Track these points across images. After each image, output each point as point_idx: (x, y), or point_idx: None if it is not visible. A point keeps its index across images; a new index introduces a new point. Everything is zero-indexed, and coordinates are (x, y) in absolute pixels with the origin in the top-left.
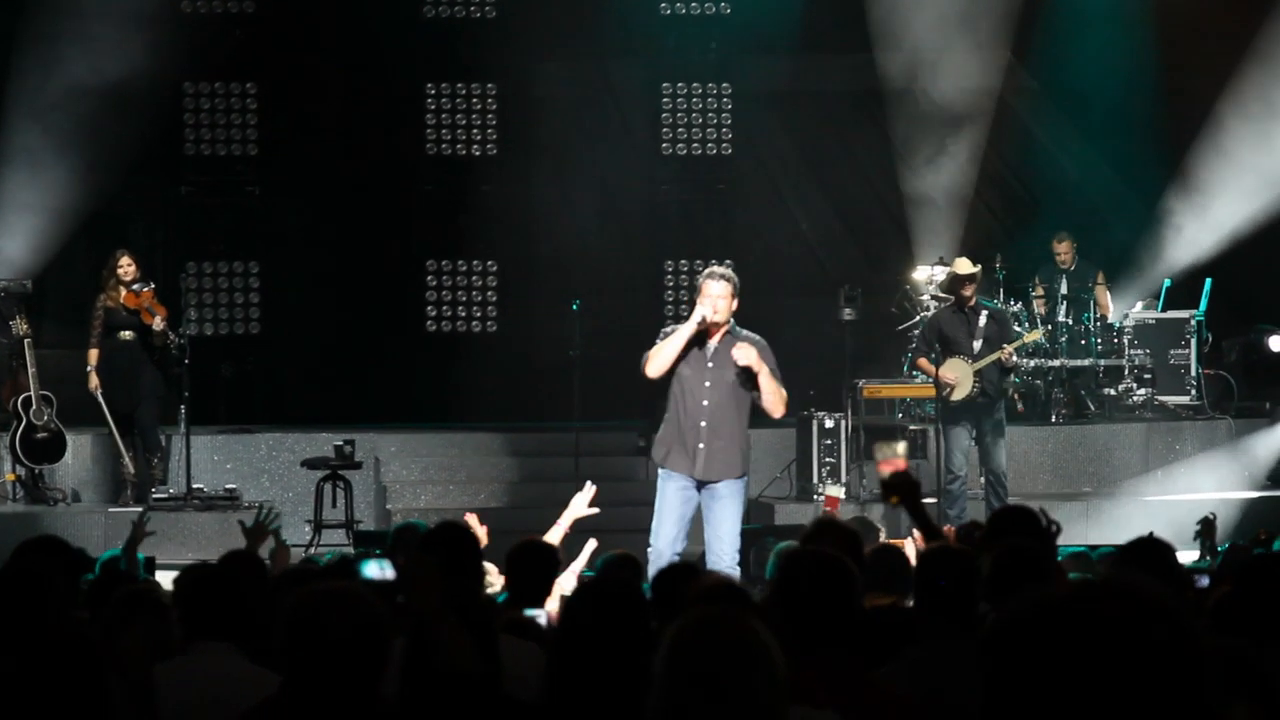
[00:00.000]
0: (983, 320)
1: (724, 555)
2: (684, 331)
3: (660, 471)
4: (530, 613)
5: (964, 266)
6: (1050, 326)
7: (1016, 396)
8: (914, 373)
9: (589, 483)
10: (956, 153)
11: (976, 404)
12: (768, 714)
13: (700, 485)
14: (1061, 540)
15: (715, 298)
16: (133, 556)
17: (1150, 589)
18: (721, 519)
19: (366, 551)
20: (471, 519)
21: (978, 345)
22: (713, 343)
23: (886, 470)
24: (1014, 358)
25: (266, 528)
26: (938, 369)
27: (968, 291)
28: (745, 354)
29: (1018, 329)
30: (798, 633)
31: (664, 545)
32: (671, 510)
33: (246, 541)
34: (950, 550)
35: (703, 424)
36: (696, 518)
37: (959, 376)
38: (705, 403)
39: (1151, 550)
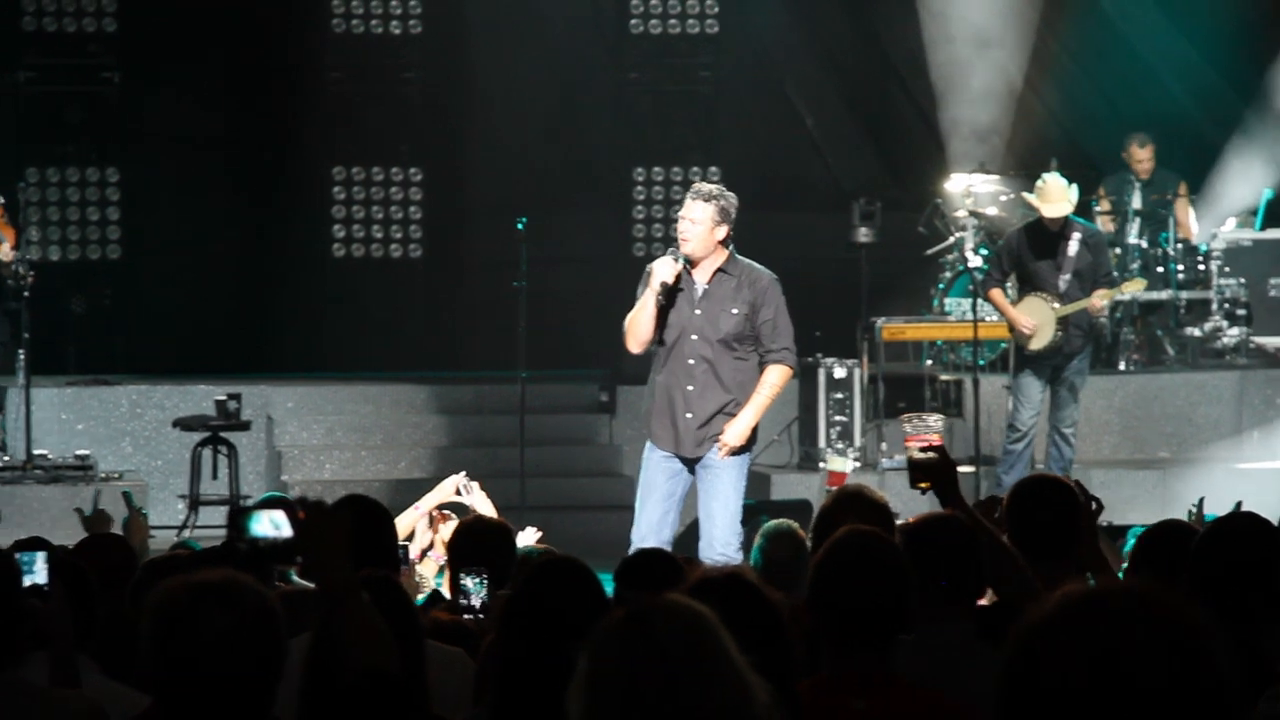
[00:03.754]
0: (1073, 247)
1: (714, 541)
2: (648, 301)
3: (648, 443)
4: (465, 582)
5: (1054, 198)
6: (1119, 250)
7: None
8: (943, 309)
9: (464, 474)
10: (1003, 33)
11: (1059, 352)
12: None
13: (690, 461)
14: (1134, 518)
15: (687, 223)
16: None
17: (1171, 596)
18: (710, 495)
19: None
20: (469, 488)
21: (1064, 280)
22: (700, 282)
23: (915, 447)
24: (1106, 309)
25: (108, 516)
26: (1014, 306)
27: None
28: (724, 448)
29: (1115, 274)
30: (832, 630)
31: (646, 532)
32: (655, 489)
33: (132, 533)
34: (942, 526)
35: (689, 388)
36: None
37: (1039, 323)
38: (690, 361)
39: (1245, 528)
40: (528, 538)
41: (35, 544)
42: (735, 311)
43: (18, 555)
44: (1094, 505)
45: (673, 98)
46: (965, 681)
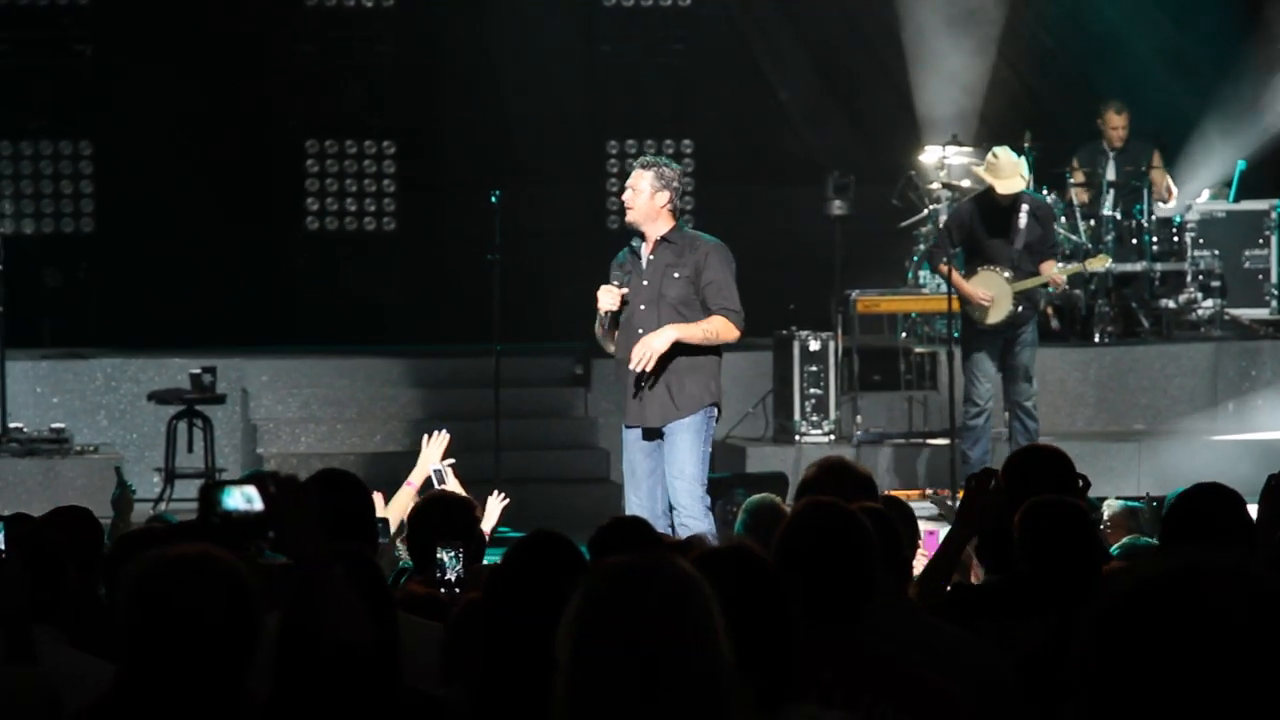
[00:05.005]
0: (1023, 219)
1: (680, 508)
2: (601, 328)
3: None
4: (441, 556)
5: (1005, 174)
6: (1093, 222)
7: (1050, 311)
8: (917, 281)
9: (444, 430)
10: (976, 3)
11: (1011, 324)
12: (710, 688)
13: (660, 430)
14: (1110, 490)
15: (630, 192)
16: None
17: (1257, 570)
18: (668, 465)
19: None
20: (445, 476)
21: (1016, 252)
22: (645, 252)
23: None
24: (1064, 282)
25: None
26: (966, 280)
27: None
28: (648, 358)
29: (1068, 237)
30: (803, 604)
31: (641, 511)
32: (635, 469)
33: (122, 509)
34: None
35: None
36: None
37: (995, 295)
38: (640, 330)
39: (1214, 501)
40: (495, 506)
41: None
42: (677, 275)
43: None
44: (1080, 483)
45: (646, 70)
46: (912, 654)
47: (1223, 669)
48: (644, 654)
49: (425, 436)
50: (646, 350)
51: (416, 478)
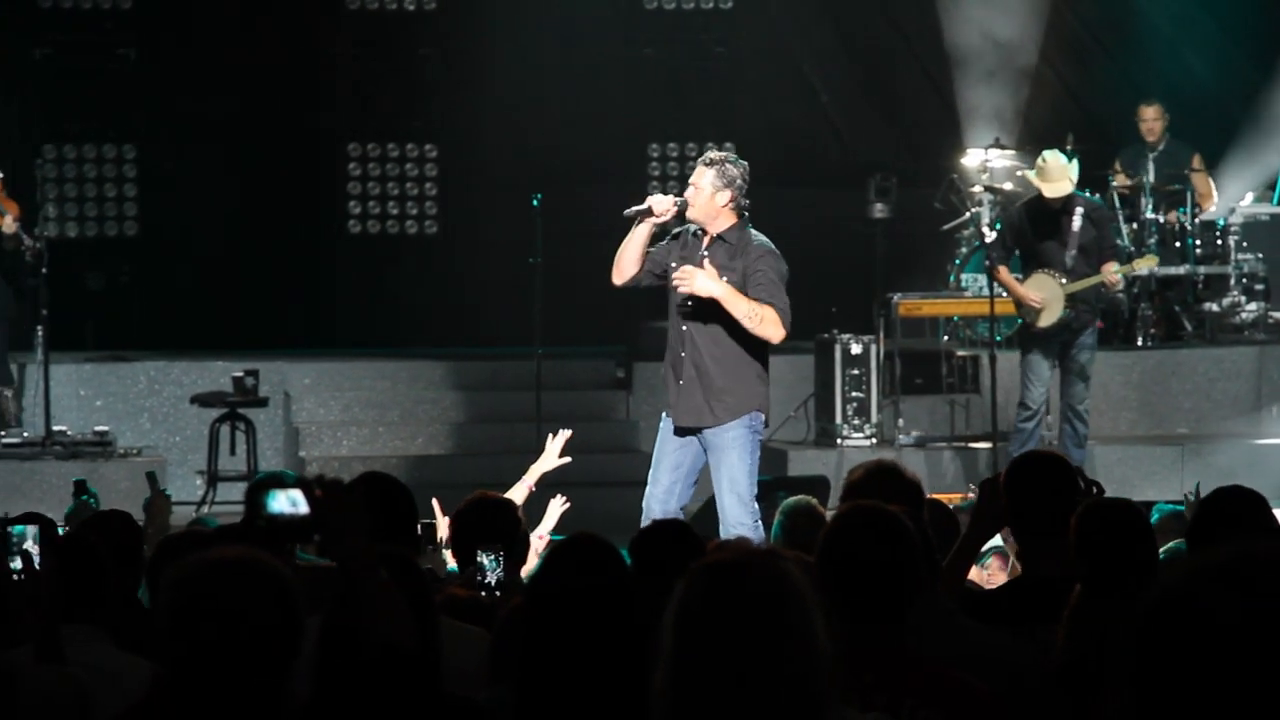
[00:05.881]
0: (1077, 222)
1: (726, 519)
2: (636, 229)
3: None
4: (481, 559)
5: (1054, 177)
6: (1136, 225)
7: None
8: (960, 285)
9: (563, 429)
10: (1019, 6)
11: (1068, 328)
12: (806, 686)
13: (695, 430)
14: (1153, 495)
15: (692, 188)
16: None
17: None
18: (717, 476)
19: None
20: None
21: (1070, 256)
22: (703, 248)
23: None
24: (1121, 283)
25: (165, 504)
26: (1021, 284)
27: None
28: (689, 280)
29: (1120, 246)
30: (845, 606)
31: (656, 501)
32: (664, 458)
33: (153, 514)
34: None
35: (682, 353)
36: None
37: (1047, 297)
38: (684, 327)
39: (1239, 503)
40: (555, 508)
41: (28, 519)
42: (726, 279)
43: (10, 529)
44: (1094, 489)
45: (687, 73)
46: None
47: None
48: (739, 651)
49: (549, 435)
50: (691, 277)
51: (531, 476)
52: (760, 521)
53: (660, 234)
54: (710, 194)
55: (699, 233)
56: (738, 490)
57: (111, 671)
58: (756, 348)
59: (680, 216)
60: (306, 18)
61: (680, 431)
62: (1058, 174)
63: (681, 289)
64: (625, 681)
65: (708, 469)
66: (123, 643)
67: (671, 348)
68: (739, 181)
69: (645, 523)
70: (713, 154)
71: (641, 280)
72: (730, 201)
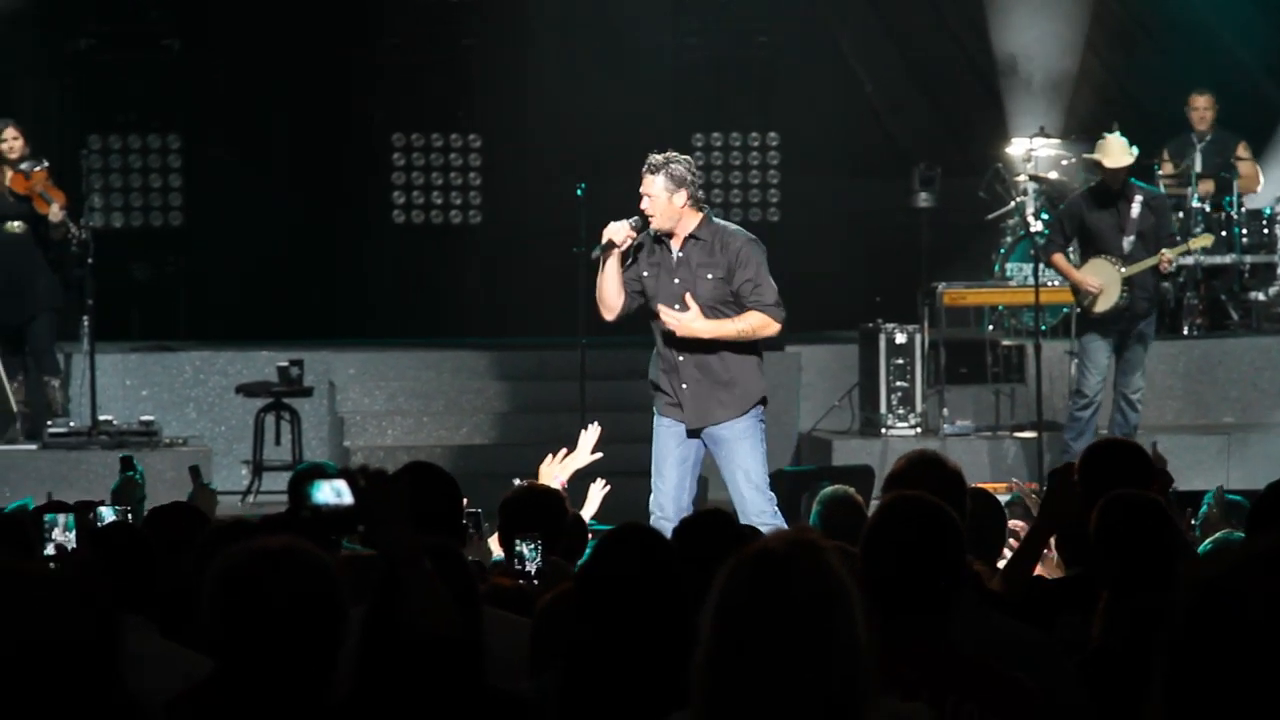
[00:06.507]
0: (1135, 209)
1: (747, 510)
2: (606, 264)
3: (655, 411)
4: (520, 548)
5: (1114, 152)
6: (1182, 213)
7: None
8: (1004, 274)
9: (594, 424)
10: None
11: (1125, 315)
12: (846, 683)
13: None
14: (1199, 484)
15: (646, 199)
16: None
17: None
18: (731, 468)
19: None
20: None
21: (1128, 242)
22: (675, 250)
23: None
24: (1174, 264)
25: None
26: (1078, 270)
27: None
28: (672, 318)
29: (1178, 236)
30: (884, 597)
31: (666, 498)
32: (668, 455)
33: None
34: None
35: (680, 358)
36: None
37: (1104, 283)
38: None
39: None
40: (597, 491)
41: (58, 507)
42: (710, 276)
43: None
44: (1162, 479)
45: (731, 63)
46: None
47: None
48: (782, 648)
49: (583, 430)
50: (677, 322)
51: (566, 468)
52: (779, 510)
53: (626, 256)
54: (667, 198)
55: (662, 238)
56: (754, 480)
57: (159, 663)
58: (743, 346)
59: (641, 233)
60: (351, 8)
61: (691, 432)
62: (1119, 150)
63: (674, 325)
64: (673, 670)
65: (708, 464)
66: (172, 633)
67: (665, 356)
68: (689, 177)
69: (654, 521)
70: (653, 159)
71: (631, 307)
72: (688, 200)
